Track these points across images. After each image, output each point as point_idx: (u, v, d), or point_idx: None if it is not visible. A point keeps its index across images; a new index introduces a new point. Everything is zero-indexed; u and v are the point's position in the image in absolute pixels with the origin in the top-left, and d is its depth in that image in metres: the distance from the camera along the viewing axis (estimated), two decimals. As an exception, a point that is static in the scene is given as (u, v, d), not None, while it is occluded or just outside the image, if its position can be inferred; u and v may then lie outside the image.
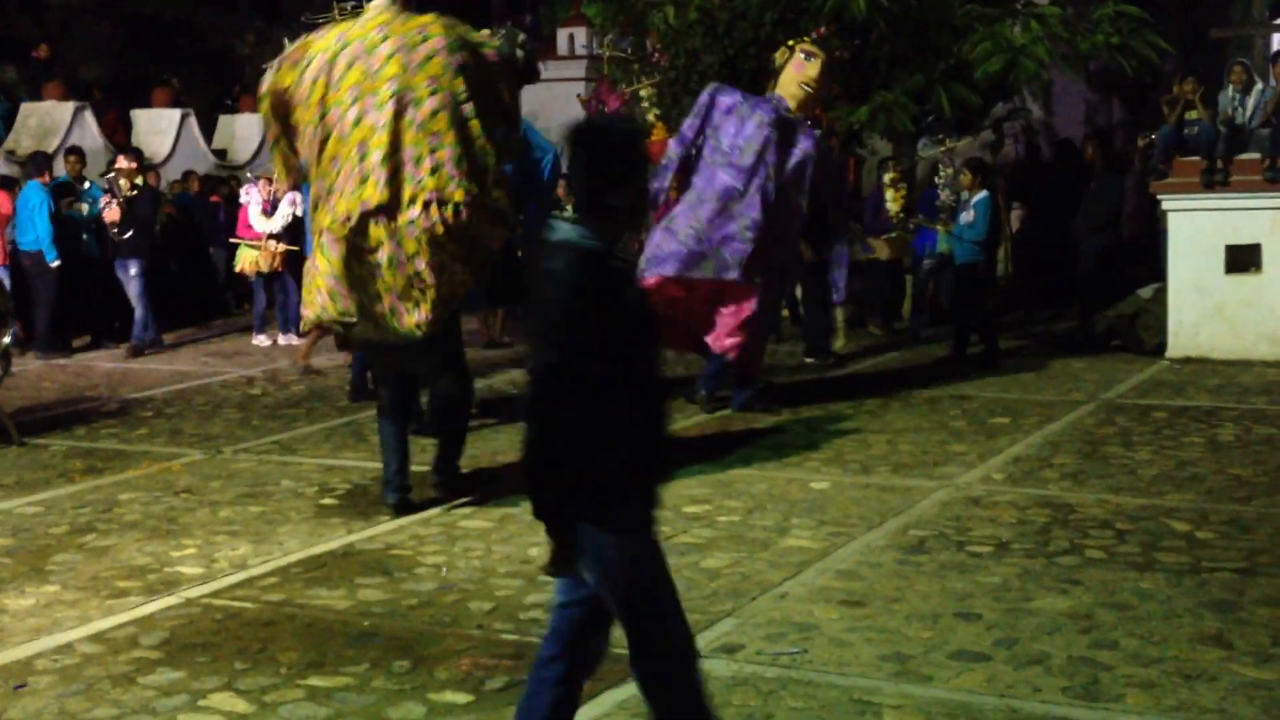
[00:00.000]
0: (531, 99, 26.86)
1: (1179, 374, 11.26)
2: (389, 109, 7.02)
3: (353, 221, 7.03)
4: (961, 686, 4.92)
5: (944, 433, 9.12)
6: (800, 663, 5.18)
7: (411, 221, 7.02)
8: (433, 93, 7.07)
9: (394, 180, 7.01)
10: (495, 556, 6.63)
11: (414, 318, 7.13)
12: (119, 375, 12.88)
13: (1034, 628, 5.46)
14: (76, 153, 15.32)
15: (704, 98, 9.88)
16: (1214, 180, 11.77)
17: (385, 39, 7.14)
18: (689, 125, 9.88)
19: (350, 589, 6.21)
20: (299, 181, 8.35)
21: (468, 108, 7.15)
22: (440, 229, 7.04)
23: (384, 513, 7.41)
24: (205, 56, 22.01)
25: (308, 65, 7.22)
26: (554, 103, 22.97)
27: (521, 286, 14.07)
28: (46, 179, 14.20)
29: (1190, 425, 9.19)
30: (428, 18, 7.29)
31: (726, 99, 9.79)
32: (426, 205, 7.01)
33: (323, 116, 7.18)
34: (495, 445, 9.17)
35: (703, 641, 5.39)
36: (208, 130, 20.23)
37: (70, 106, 17.83)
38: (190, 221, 16.78)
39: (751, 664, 5.18)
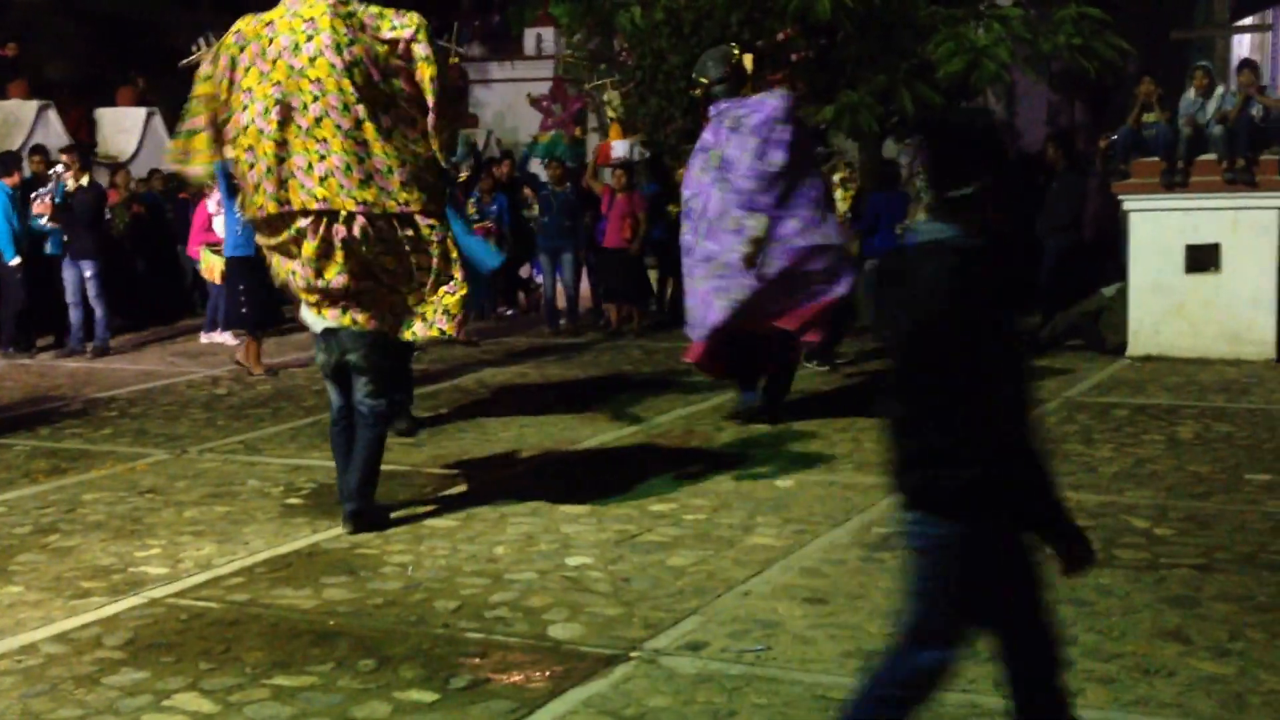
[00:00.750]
0: (499, 99, 26.86)
1: (1139, 372, 11.36)
2: (273, 116, 6.74)
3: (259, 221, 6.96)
4: (923, 682, 4.96)
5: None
6: (764, 659, 5.22)
7: (301, 230, 6.83)
8: (316, 98, 6.72)
9: (284, 190, 6.79)
10: (461, 555, 6.65)
11: (349, 315, 6.99)
12: (83, 375, 12.83)
13: (995, 624, 5.50)
14: (40, 152, 15.26)
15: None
16: (1174, 181, 11.88)
17: (273, 40, 6.81)
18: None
19: (316, 588, 6.22)
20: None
21: (360, 109, 6.76)
22: (331, 242, 6.80)
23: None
24: (170, 55, 21.92)
25: (218, 68, 6.96)
26: (521, 102, 23.02)
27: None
28: (16, 179, 14.13)
29: (1150, 423, 9.28)
30: (320, 8, 6.84)
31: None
32: (318, 217, 6.79)
33: (228, 119, 6.96)
34: (462, 444, 9.19)
35: (667, 639, 5.44)
36: (173, 129, 20.19)
37: (34, 105, 17.76)
38: (158, 220, 16.71)
39: (716, 661, 5.22)
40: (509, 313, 16.84)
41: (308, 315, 7.25)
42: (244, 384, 11.89)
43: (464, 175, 15.98)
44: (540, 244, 15.35)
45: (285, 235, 6.93)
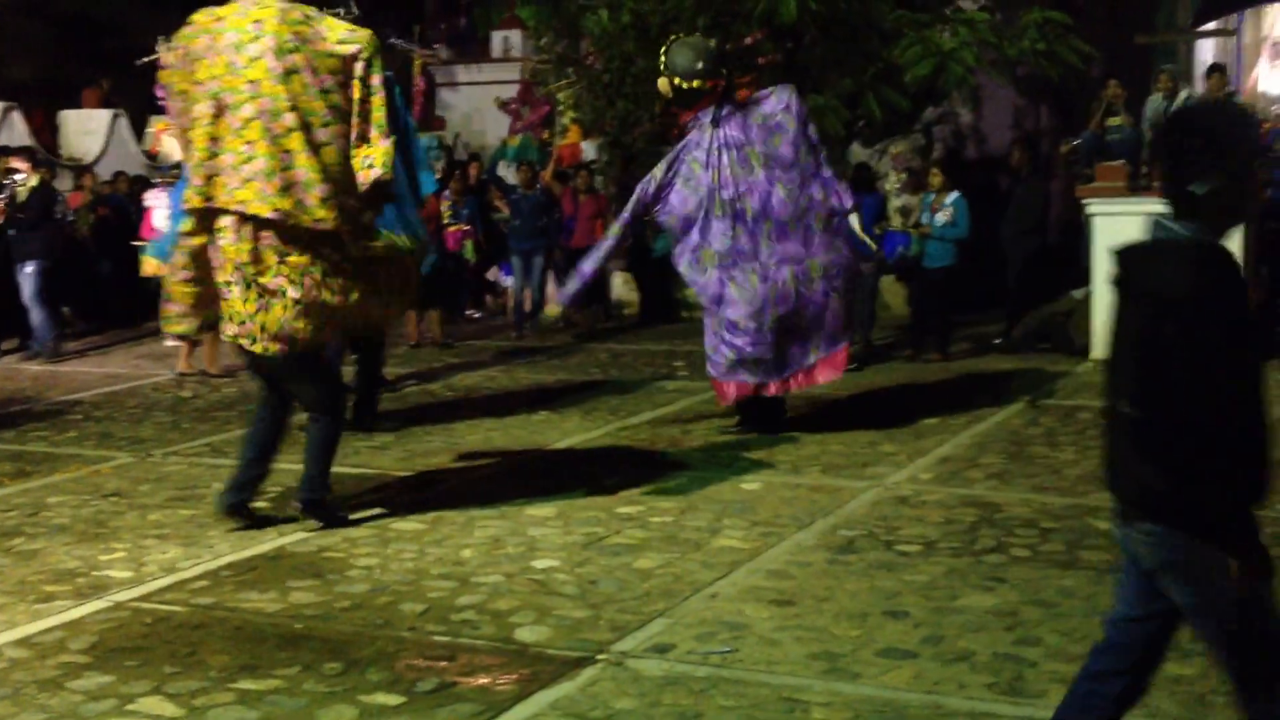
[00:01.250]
0: (466, 101, 26.77)
1: (1103, 375, 11.40)
2: (208, 110, 6.72)
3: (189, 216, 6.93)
4: (889, 684, 4.99)
5: (874, 433, 9.21)
6: (731, 662, 5.23)
7: (221, 229, 6.80)
8: (250, 99, 6.67)
9: (210, 185, 6.75)
10: (428, 559, 6.64)
11: (239, 327, 6.90)
12: (47, 377, 12.76)
13: (960, 625, 5.54)
14: (6, 153, 15.16)
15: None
16: (1139, 185, 11.95)
17: (221, 35, 6.78)
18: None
19: (281, 592, 6.20)
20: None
21: (290, 117, 6.67)
22: (243, 246, 6.75)
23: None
24: (136, 57, 21.83)
25: (176, 58, 6.95)
26: (489, 105, 22.97)
27: (448, 287, 14.04)
28: None
29: (1115, 426, 9.32)
30: (270, 11, 6.79)
31: None
32: (237, 218, 6.73)
33: (183, 110, 6.96)
34: (430, 447, 9.18)
35: (634, 641, 5.45)
36: (140, 131, 20.11)
37: (-1, 106, 17.67)
38: (123, 223, 16.62)
39: (683, 663, 5.23)
40: (477, 315, 16.82)
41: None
42: (209, 386, 11.83)
43: (437, 175, 15.95)
44: (513, 246, 15.35)
45: (203, 239, 6.88)
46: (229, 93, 6.69)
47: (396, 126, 9.22)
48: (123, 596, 6.19)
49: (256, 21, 6.75)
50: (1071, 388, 10.89)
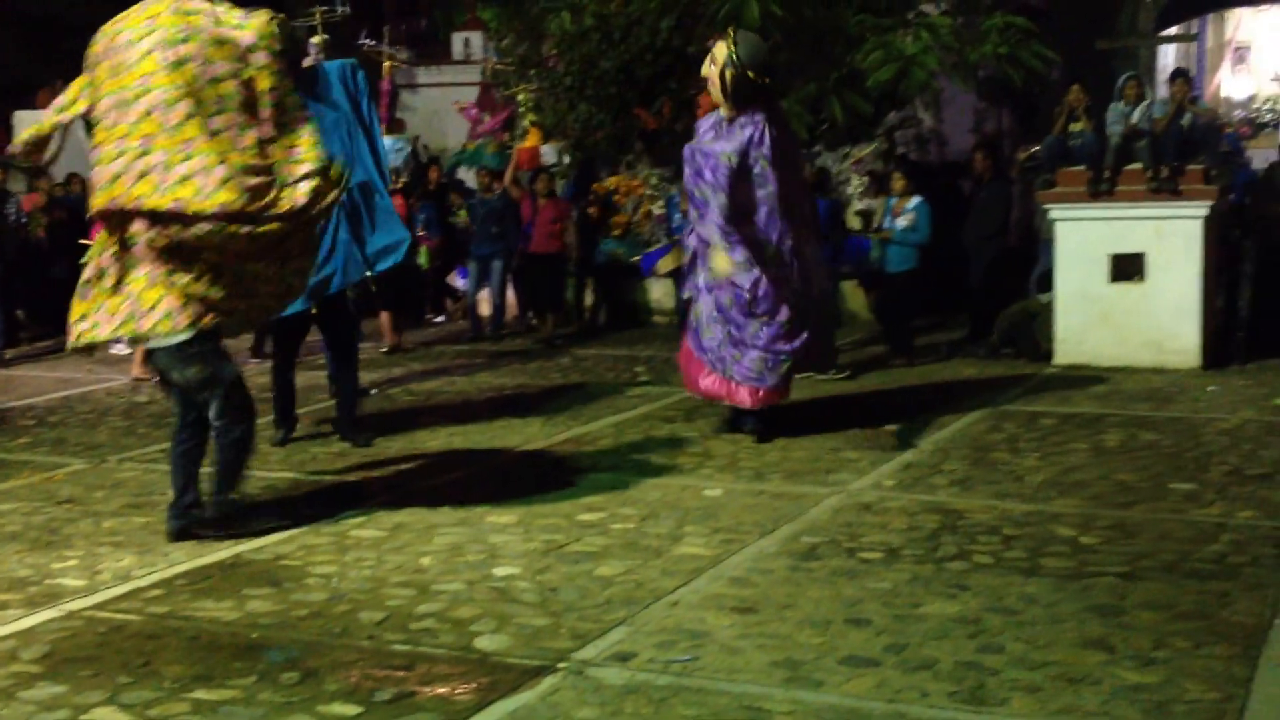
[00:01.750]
0: (426, 104, 26.57)
1: (1065, 381, 11.45)
2: (106, 105, 6.71)
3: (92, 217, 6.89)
4: (851, 692, 4.96)
5: (837, 440, 9.19)
6: (692, 670, 5.19)
7: (124, 227, 6.74)
8: (143, 92, 6.64)
9: (113, 185, 6.68)
10: (387, 566, 6.57)
11: (149, 321, 6.79)
12: (0, 382, 12.61)
13: (923, 633, 5.51)
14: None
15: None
16: (1100, 190, 11.98)
17: (119, 33, 6.78)
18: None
19: (238, 600, 6.12)
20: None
21: (183, 106, 6.59)
22: (153, 241, 6.68)
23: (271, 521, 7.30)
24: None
25: (86, 64, 6.95)
26: (449, 108, 22.89)
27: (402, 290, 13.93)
28: None
29: (1076, 431, 9.35)
30: (164, 5, 6.77)
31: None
32: (145, 215, 6.65)
33: (87, 114, 6.96)
34: (389, 452, 9.10)
35: (595, 650, 5.40)
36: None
37: (-47, 108, 17.50)
38: (80, 225, 16.45)
39: (644, 672, 5.18)
40: (438, 320, 16.74)
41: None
42: (164, 392, 11.69)
43: (403, 180, 15.86)
44: (472, 251, 15.28)
45: (112, 240, 6.82)
46: (126, 90, 6.68)
47: (363, 119, 9.17)
48: (76, 605, 6.10)
49: (150, 17, 6.76)
50: (1033, 394, 10.90)
